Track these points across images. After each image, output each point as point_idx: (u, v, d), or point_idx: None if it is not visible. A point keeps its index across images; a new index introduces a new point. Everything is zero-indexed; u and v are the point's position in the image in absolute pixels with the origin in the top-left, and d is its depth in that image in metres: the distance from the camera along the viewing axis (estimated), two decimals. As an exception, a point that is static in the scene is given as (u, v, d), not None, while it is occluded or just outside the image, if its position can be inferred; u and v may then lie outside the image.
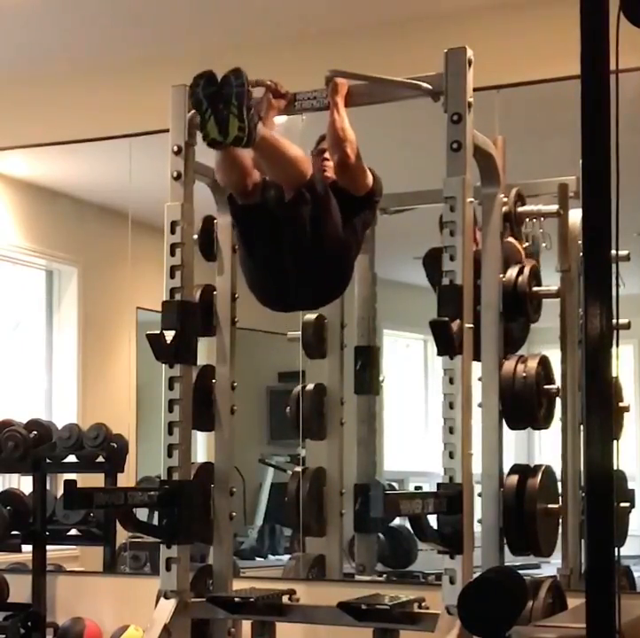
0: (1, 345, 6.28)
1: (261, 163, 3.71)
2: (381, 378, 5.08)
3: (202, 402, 4.10)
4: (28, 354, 6.36)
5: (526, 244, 4.40)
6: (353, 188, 3.90)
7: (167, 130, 4.06)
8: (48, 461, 5.27)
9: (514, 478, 3.80)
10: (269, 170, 3.74)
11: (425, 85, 3.68)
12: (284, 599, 3.93)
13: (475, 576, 3.42)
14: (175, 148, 4.01)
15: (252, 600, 3.89)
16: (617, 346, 2.13)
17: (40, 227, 6.31)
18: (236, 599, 3.92)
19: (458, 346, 3.48)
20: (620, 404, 4.33)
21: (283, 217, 3.70)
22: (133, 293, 5.84)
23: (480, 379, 3.86)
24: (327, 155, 4.00)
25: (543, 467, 3.89)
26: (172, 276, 3.96)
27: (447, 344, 3.47)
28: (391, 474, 5.93)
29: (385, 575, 5.19)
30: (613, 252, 2.13)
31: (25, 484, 5.47)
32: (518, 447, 4.98)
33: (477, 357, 3.78)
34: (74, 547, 5.78)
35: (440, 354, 3.53)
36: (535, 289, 4.01)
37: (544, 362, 3.94)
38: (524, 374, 3.83)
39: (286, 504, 4.96)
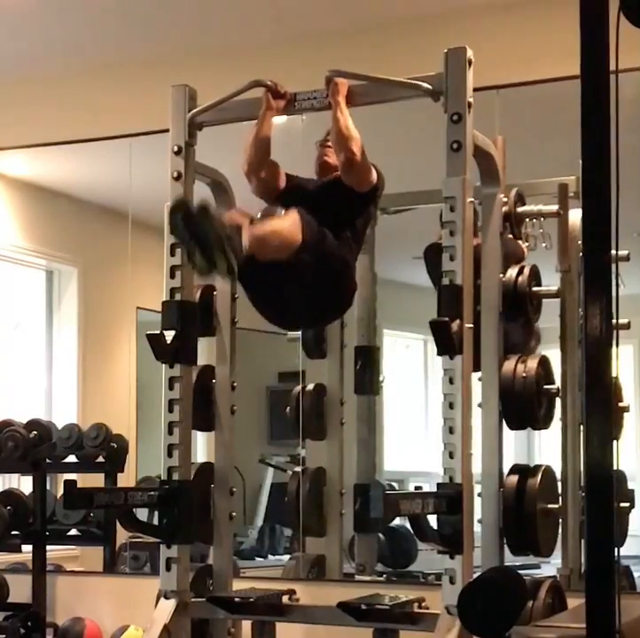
0: (1, 345, 6.28)
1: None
2: (381, 378, 5.08)
3: (202, 402, 4.09)
4: (28, 353, 6.35)
5: (526, 243, 4.41)
6: (357, 185, 3.89)
7: (167, 130, 4.06)
8: (48, 461, 5.26)
9: (514, 478, 3.80)
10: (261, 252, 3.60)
11: (425, 85, 3.68)
12: (284, 599, 3.92)
13: (475, 576, 3.43)
14: (175, 148, 4.02)
15: (252, 600, 3.89)
16: (617, 346, 2.13)
17: (40, 227, 6.30)
18: (236, 599, 3.92)
19: (458, 346, 3.48)
20: (620, 404, 4.33)
21: (284, 276, 3.63)
22: (133, 293, 5.84)
23: (479, 379, 3.86)
24: (329, 142, 3.99)
25: (543, 467, 3.88)
26: (172, 276, 3.96)
27: (447, 344, 3.47)
28: (391, 474, 5.92)
29: (385, 575, 5.19)
30: (613, 252, 2.14)
31: (25, 484, 5.46)
32: (518, 447, 4.98)
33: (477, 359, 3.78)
34: (74, 547, 5.78)
35: (440, 353, 3.53)
36: (535, 289, 4.01)
37: (544, 362, 3.94)
38: (524, 374, 3.83)
39: (286, 504, 4.96)
